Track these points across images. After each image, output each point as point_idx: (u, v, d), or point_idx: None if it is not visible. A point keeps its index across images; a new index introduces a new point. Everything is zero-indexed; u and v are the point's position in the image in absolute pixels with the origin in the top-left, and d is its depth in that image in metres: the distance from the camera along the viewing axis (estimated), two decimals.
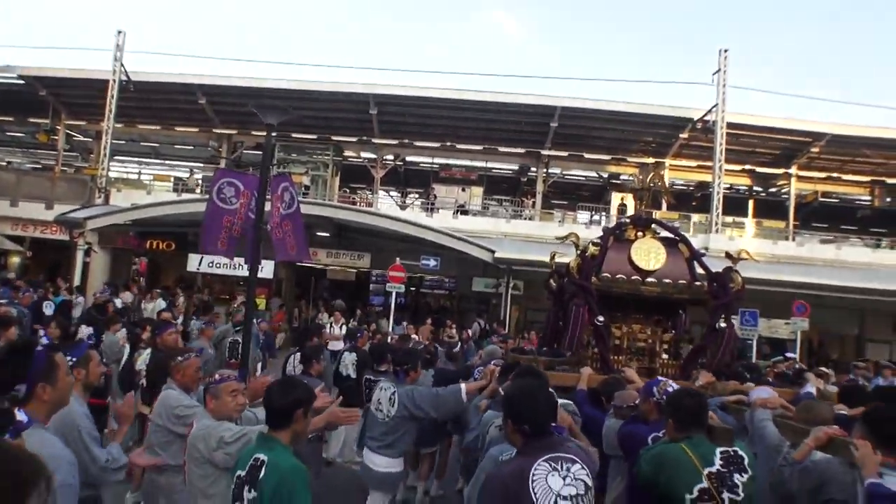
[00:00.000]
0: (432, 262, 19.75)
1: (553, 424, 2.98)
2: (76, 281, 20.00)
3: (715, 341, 5.59)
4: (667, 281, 5.55)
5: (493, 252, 18.13)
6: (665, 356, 5.80)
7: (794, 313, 15.31)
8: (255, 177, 8.64)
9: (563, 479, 2.72)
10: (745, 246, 21.76)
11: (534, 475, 2.70)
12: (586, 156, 26.02)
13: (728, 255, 5.69)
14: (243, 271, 18.40)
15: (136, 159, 32.40)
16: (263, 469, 2.75)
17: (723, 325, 5.53)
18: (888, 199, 26.34)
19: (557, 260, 6.82)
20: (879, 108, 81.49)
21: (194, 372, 4.22)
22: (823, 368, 13.92)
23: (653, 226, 6.01)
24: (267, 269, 21.50)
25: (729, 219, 24.61)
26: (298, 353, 8.22)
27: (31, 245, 21.12)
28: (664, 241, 5.78)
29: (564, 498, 2.68)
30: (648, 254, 5.62)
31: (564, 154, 25.92)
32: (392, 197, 30.43)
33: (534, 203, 25.54)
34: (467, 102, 23.35)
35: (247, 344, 7.93)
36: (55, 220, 20.80)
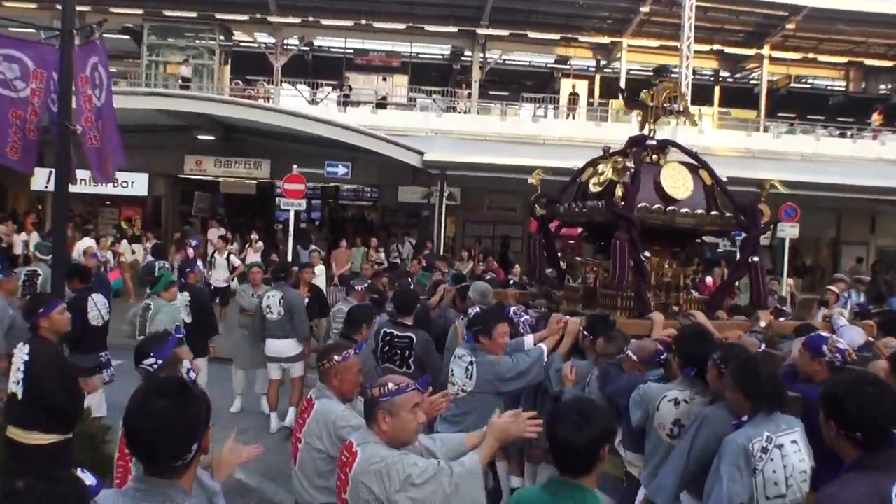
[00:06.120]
0: (341, 169, 18.00)
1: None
2: None
3: (749, 276, 5.63)
4: (699, 211, 5.50)
5: (421, 154, 16.78)
6: (690, 291, 5.83)
7: (781, 218, 14.53)
8: (49, 47, 6.68)
9: None
10: (716, 138, 21.63)
11: None
12: (530, 35, 24.76)
13: (758, 185, 5.73)
14: (113, 187, 16.01)
15: None
16: None
17: (755, 258, 5.54)
18: (863, 85, 25.93)
19: (543, 180, 6.55)
20: None
21: (355, 376, 3.71)
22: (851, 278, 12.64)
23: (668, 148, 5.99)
24: (139, 185, 19.24)
25: (693, 108, 23.59)
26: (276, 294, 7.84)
27: None
28: (687, 166, 5.73)
29: None
30: (677, 181, 5.47)
31: (505, 34, 24.66)
32: (299, 90, 28.55)
33: (469, 94, 24.41)
34: None
35: (58, 285, 6.27)
36: None
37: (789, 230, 14.79)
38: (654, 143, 5.80)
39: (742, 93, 27.03)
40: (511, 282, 8.40)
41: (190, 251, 13.89)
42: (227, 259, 13.70)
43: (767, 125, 24.22)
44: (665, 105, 5.94)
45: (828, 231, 20.66)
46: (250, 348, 8.24)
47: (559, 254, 6.96)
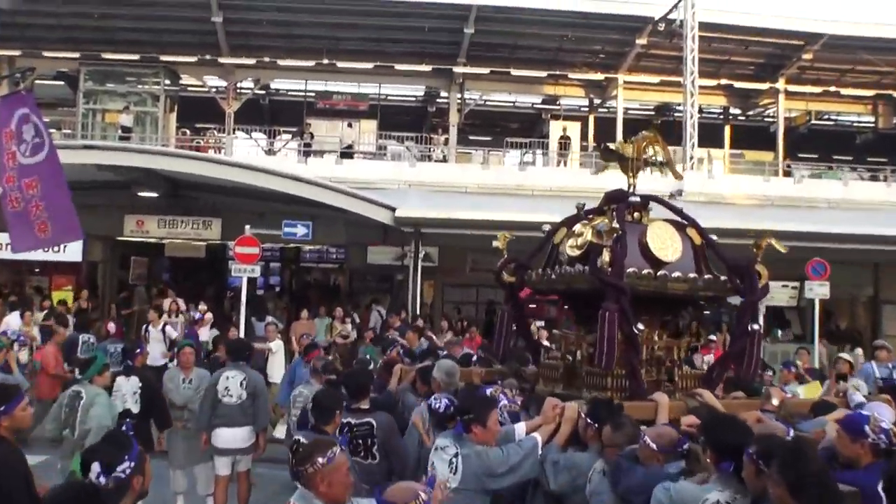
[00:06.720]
0: (301, 230, 17.91)
1: None
2: None
3: (746, 346, 5.75)
4: (692, 276, 5.66)
5: (393, 210, 16.65)
6: (685, 367, 5.97)
7: (808, 276, 14.28)
8: None
9: None
10: (728, 184, 21.53)
11: None
12: (514, 73, 24.92)
13: (754, 245, 5.82)
14: (44, 252, 15.64)
15: None
16: None
17: (755, 326, 5.70)
18: (894, 120, 26.21)
19: (510, 245, 6.70)
20: None
21: (346, 476, 3.66)
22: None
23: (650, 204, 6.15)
24: (72, 249, 19.10)
25: (700, 150, 23.98)
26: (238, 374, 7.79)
27: None
28: (673, 224, 5.90)
29: None
30: (665, 241, 5.64)
31: (485, 71, 24.83)
32: (254, 139, 28.98)
33: (446, 140, 24.59)
34: (350, 1, 22.03)
35: None
36: None
37: (818, 289, 14.45)
38: (636, 199, 5.88)
39: (756, 132, 27.11)
40: (473, 358, 8.34)
41: (111, 326, 13.53)
42: (163, 332, 13.42)
43: (787, 168, 24.21)
44: (645, 156, 6.08)
45: (864, 289, 20.17)
46: (185, 442, 8.07)
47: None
